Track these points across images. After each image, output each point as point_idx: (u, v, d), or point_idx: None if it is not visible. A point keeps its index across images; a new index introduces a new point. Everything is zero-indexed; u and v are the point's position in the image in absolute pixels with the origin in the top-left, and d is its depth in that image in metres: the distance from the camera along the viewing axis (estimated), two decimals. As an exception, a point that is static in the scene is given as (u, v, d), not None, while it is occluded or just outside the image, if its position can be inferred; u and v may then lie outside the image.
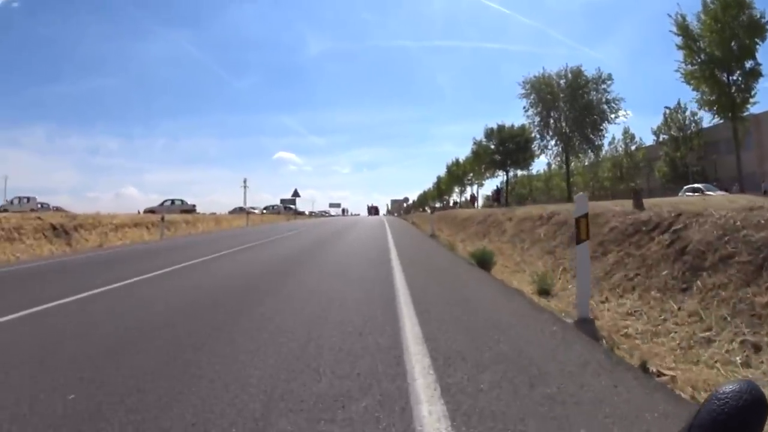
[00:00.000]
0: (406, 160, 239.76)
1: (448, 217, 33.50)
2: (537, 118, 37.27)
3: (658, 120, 71.47)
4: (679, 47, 22.65)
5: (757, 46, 21.03)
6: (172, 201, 47.56)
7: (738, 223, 7.24)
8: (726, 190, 30.16)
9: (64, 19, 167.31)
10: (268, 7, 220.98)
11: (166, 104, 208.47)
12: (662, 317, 6.64)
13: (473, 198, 68.47)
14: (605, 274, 9.07)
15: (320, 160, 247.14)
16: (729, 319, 5.82)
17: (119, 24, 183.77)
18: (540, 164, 74.87)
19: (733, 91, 21.30)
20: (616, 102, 34.35)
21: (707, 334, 5.82)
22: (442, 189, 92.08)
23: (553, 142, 37.10)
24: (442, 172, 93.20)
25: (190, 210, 45.82)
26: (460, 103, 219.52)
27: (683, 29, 22.33)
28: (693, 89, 22.66)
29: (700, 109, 23.03)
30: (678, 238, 8.22)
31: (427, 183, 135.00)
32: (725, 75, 21.37)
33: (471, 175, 71.64)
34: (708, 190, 34.08)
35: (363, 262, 11.30)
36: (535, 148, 39.67)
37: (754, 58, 21.14)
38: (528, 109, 37.57)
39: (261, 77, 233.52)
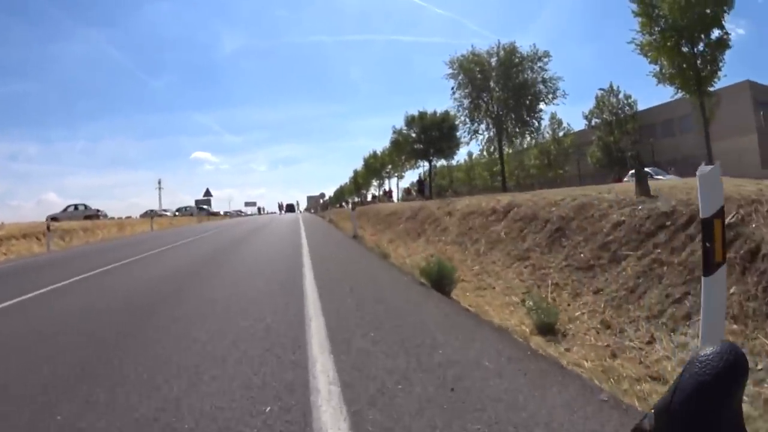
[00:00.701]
0: (323, 156, 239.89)
1: (369, 212, 30.37)
2: (466, 101, 34.35)
3: (581, 107, 72.13)
4: (636, 14, 20.98)
5: (725, 15, 19.52)
6: (75, 206, 45.71)
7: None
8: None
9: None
10: (183, 6, 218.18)
11: (86, 106, 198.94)
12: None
13: (388, 192, 65.76)
14: (629, 292, 6.28)
15: (237, 158, 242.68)
16: None
17: (39, 27, 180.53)
18: (461, 154, 73.92)
19: (699, 63, 19.64)
20: (553, 81, 32.27)
21: None
22: (359, 183, 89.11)
23: (483, 126, 34.47)
24: (358, 166, 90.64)
25: (94, 216, 43.42)
26: (374, 96, 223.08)
27: (641, -6, 20.64)
28: (650, 62, 21.07)
29: (659, 83, 21.32)
30: (738, 235, 5.57)
31: (344, 178, 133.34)
32: (689, 46, 19.70)
33: (389, 167, 69.79)
34: (657, 174, 33.24)
35: (265, 290, 7.96)
36: (464, 133, 36.65)
37: (721, 27, 19.80)
38: (455, 90, 34.65)
39: (177, 76, 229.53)
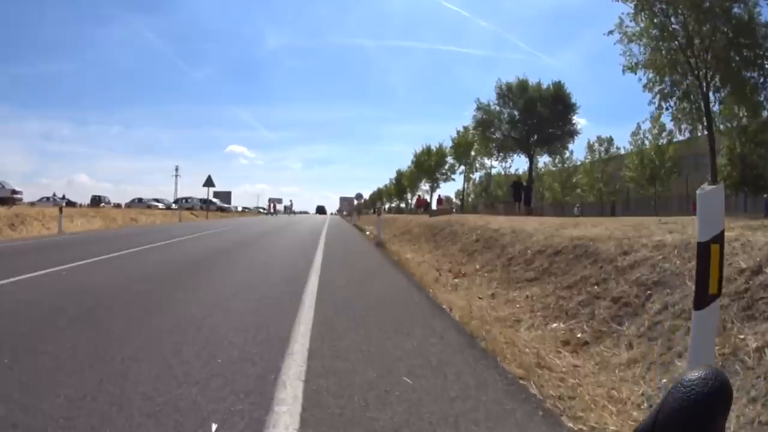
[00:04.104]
0: (356, 159, 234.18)
1: (443, 231, 15.28)
2: (649, 39, 18.62)
3: (620, 130, 57.16)
4: None
5: None
6: None
7: None
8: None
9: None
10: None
11: (122, 91, 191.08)
12: None
13: (421, 201, 49.40)
14: None
15: (272, 154, 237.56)
16: None
17: (80, 7, 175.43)
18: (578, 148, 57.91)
19: None
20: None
21: None
22: (402, 185, 73.91)
23: (681, 88, 18.95)
24: (393, 171, 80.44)
25: (8, 200, 29.97)
26: (412, 104, 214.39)
27: None
28: None
29: None
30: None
31: (377, 182, 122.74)
32: None
33: (447, 165, 53.66)
34: None
35: None
36: (654, 98, 20.29)
37: None
38: (635, 14, 18.90)
39: (218, 69, 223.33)
